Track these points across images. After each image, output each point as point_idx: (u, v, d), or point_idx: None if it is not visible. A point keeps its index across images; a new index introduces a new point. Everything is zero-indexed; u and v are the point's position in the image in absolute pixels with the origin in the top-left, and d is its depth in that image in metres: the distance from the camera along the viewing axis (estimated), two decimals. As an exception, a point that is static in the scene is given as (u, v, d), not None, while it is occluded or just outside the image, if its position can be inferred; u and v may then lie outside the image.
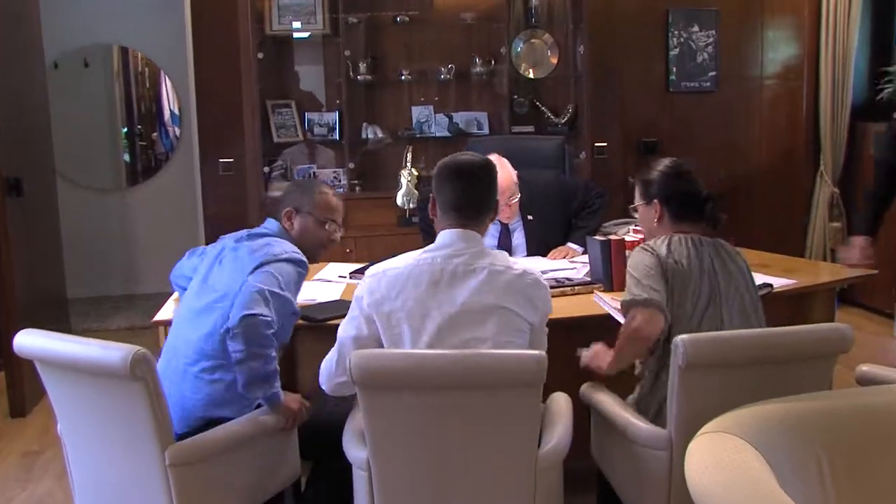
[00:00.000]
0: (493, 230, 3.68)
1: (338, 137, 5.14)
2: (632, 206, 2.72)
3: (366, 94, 5.25)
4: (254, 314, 2.29)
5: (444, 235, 2.29)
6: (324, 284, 3.31)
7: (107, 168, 7.17)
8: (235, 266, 2.49)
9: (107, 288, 6.78)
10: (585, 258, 3.46)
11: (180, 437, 2.25)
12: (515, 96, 5.32)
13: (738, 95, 5.79)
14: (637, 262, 2.47)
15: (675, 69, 5.68)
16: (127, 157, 7.32)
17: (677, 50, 5.66)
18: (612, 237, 3.24)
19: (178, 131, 7.15)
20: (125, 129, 7.34)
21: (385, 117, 5.26)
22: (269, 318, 2.32)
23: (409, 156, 4.84)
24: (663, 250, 2.47)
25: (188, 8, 5.15)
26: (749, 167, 5.86)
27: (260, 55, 4.90)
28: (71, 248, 5.69)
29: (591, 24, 5.20)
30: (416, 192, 4.86)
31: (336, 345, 2.32)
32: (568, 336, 2.62)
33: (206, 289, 2.52)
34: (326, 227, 2.68)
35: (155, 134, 7.30)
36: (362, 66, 5.08)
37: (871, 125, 5.68)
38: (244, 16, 4.85)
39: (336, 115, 5.15)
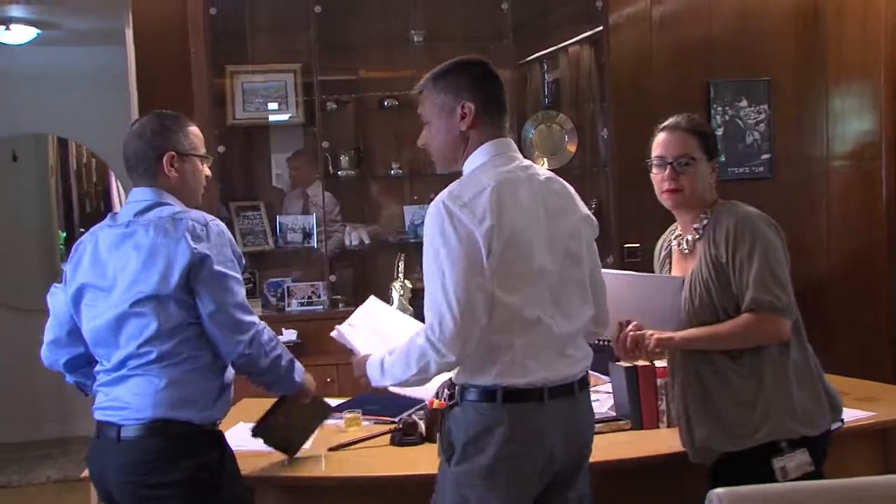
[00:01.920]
0: None
1: (315, 244, 5.26)
2: (684, 159, 2.78)
3: (349, 193, 5.40)
4: (247, 339, 2.60)
5: (498, 144, 2.55)
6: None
7: (39, 282, 7.24)
8: (146, 256, 2.58)
9: (36, 431, 6.81)
10: (609, 387, 3.50)
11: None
12: (529, 191, 5.42)
13: (798, 181, 5.90)
14: (775, 250, 2.69)
15: (720, 152, 5.82)
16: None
17: (722, 129, 5.81)
18: (640, 362, 3.28)
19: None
20: (64, 234, 7.47)
21: (373, 219, 5.40)
22: (257, 324, 2.64)
23: (402, 265, 4.93)
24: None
25: (135, 94, 5.34)
26: (816, 270, 5.89)
27: (221, 148, 5.06)
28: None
29: (617, 104, 5.36)
30: (410, 307, 4.93)
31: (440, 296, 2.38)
32: (599, 487, 2.64)
33: (114, 296, 2.61)
34: (205, 164, 2.82)
35: (103, 238, 7.42)
36: (344, 160, 5.23)
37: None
38: (202, 101, 5.02)
39: (313, 219, 5.28)
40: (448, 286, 2.36)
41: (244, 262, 2.72)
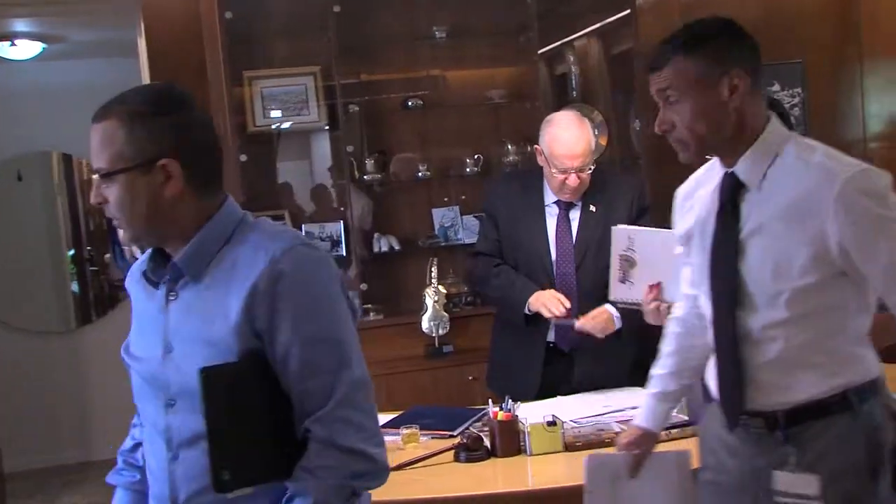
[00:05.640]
0: (553, 209, 3.74)
1: (344, 252, 5.20)
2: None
3: (374, 197, 5.35)
4: None
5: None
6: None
7: (50, 303, 7.22)
8: None
9: (57, 456, 6.76)
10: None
11: None
12: (560, 187, 5.37)
13: (837, 166, 5.81)
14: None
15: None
16: (75, 288, 7.37)
17: (757, 115, 5.72)
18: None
19: (137, 251, 7.21)
20: (72, 252, 7.41)
21: (401, 224, 5.33)
22: None
23: (434, 270, 4.89)
24: None
25: (146, 103, 5.27)
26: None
27: (243, 157, 4.99)
28: (7, 408, 5.69)
29: (646, 94, 5.27)
30: (445, 314, 4.88)
31: None
32: None
33: None
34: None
35: (108, 255, 7.35)
36: (369, 164, 5.16)
37: None
38: (220, 110, 4.94)
39: (341, 226, 5.22)
40: None
41: None
